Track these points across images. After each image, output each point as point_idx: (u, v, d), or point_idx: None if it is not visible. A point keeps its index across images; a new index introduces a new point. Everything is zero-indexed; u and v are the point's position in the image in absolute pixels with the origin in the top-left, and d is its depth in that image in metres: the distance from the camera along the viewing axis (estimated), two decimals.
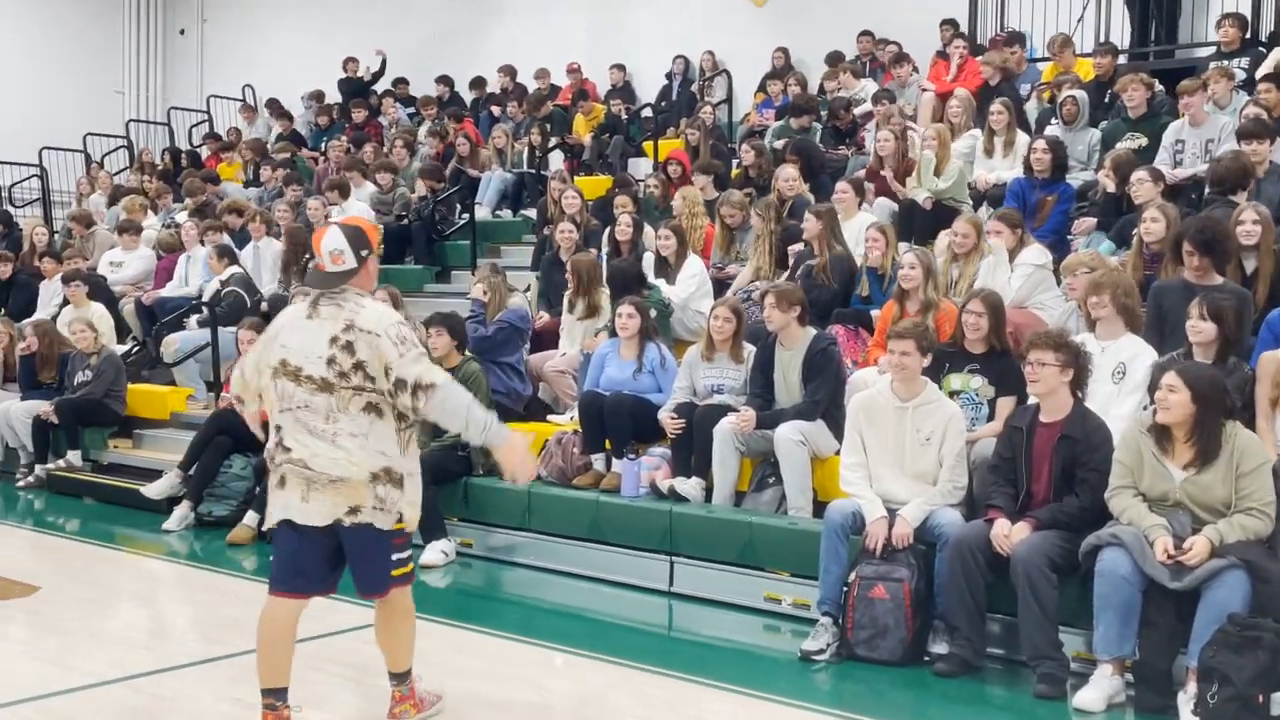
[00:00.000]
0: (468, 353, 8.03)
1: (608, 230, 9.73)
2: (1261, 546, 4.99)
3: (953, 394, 6.24)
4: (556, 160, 14.00)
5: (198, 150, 18.03)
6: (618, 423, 7.40)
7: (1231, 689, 4.61)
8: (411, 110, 16.58)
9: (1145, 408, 5.61)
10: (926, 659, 5.63)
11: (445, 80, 17.29)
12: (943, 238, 8.20)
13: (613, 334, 7.95)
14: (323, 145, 15.67)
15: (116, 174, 17.51)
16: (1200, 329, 5.70)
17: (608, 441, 7.52)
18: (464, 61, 17.64)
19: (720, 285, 9.09)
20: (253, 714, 4.46)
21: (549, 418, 8.38)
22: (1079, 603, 5.30)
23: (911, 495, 5.80)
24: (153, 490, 8.87)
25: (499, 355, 8.30)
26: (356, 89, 17.40)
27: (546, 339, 9.10)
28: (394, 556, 4.45)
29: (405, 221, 12.58)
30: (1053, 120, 9.96)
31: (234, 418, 8.72)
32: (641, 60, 16.40)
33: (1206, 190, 7.81)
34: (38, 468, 10.20)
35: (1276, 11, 10.83)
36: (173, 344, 10.81)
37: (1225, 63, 9.64)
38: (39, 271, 12.76)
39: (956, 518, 5.71)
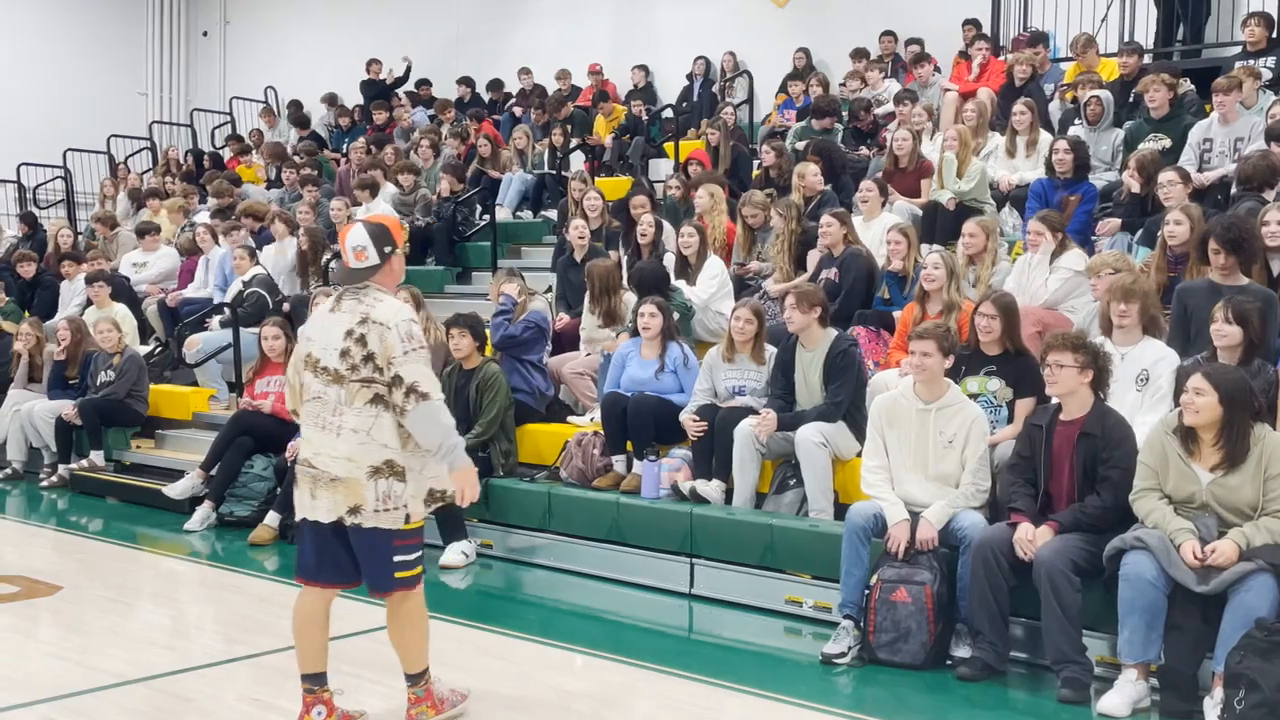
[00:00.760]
0: (488, 354, 8.03)
1: (625, 233, 9.72)
2: None
3: (970, 397, 6.20)
4: (577, 161, 14.01)
5: (220, 152, 18.11)
6: (640, 424, 7.39)
7: (1259, 694, 4.55)
8: (431, 112, 16.61)
9: (1171, 410, 5.56)
10: (949, 663, 5.60)
11: (466, 81, 17.33)
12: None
13: (634, 334, 7.93)
14: (344, 147, 15.73)
15: (140, 175, 17.62)
16: (1225, 332, 5.65)
17: (629, 443, 7.51)
18: (487, 63, 17.68)
19: (740, 284, 9.07)
20: (273, 715, 4.47)
21: (569, 419, 8.38)
22: (1103, 606, 5.26)
23: (933, 498, 5.77)
24: (174, 490, 8.91)
25: (524, 353, 8.30)
26: (379, 91, 17.45)
27: (565, 341, 9.10)
28: (397, 559, 4.46)
29: (427, 222, 12.61)
30: (1076, 120, 9.90)
31: (256, 418, 8.85)
32: (662, 61, 16.39)
33: (1234, 189, 7.75)
34: (61, 467, 10.26)
35: None
36: (195, 344, 10.85)
37: (1251, 62, 9.57)
38: (60, 272, 12.84)
39: (979, 520, 5.67)
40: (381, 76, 17.79)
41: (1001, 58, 11.79)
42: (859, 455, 6.41)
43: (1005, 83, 11.17)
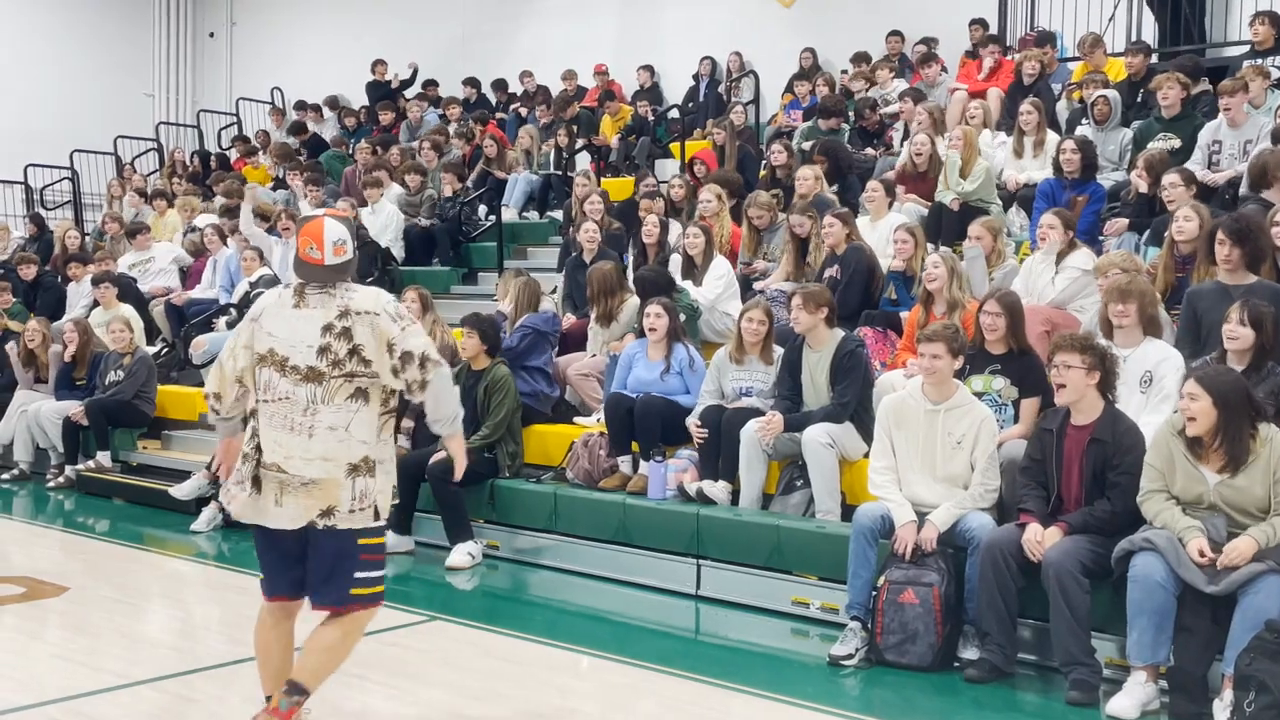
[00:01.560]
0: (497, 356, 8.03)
1: (633, 234, 9.71)
2: None
3: (975, 395, 6.17)
4: (583, 162, 14.00)
5: (226, 153, 18.13)
6: (647, 425, 7.38)
7: (1269, 697, 4.53)
8: (439, 112, 16.62)
9: (1176, 412, 5.53)
10: (957, 664, 5.58)
11: (472, 82, 17.33)
12: None
13: (640, 335, 7.92)
14: (350, 148, 15.74)
15: (145, 177, 17.64)
16: (1239, 334, 5.60)
17: (634, 443, 7.49)
18: (491, 63, 17.67)
19: (746, 284, 9.05)
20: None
21: (575, 420, 8.37)
22: (1112, 608, 5.24)
23: (941, 499, 5.74)
24: (181, 491, 8.93)
25: (525, 360, 8.29)
26: (385, 93, 17.45)
27: (572, 341, 9.08)
28: (358, 575, 4.26)
29: (432, 223, 12.61)
30: (1083, 120, 9.87)
31: None
32: (668, 61, 16.38)
33: (1242, 189, 7.71)
34: (68, 468, 10.27)
35: None
36: (201, 345, 10.86)
37: (1259, 61, 9.52)
38: (67, 274, 12.86)
39: (987, 521, 5.65)
40: (387, 78, 17.80)
41: (1009, 57, 11.76)
42: (866, 456, 6.38)
43: (1013, 82, 11.14)
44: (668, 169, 13.34)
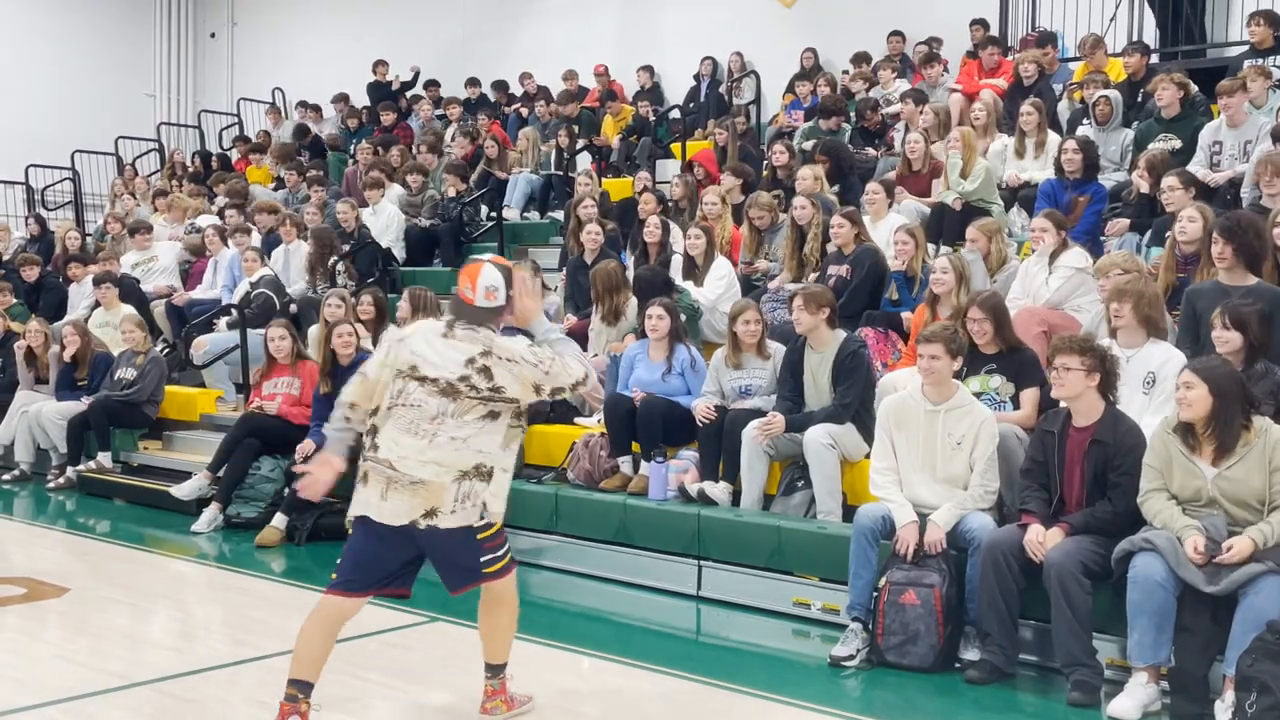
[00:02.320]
0: None
1: (633, 234, 9.71)
2: None
3: (974, 395, 6.17)
4: (584, 162, 14.00)
5: (228, 153, 18.14)
6: (648, 425, 7.37)
7: (1270, 698, 4.52)
8: (440, 112, 16.62)
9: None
10: (958, 665, 5.58)
11: (473, 82, 17.32)
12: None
13: (641, 335, 7.92)
14: (351, 148, 15.74)
15: (146, 178, 17.64)
16: (1225, 338, 5.60)
17: (635, 444, 7.49)
18: (492, 64, 17.66)
19: (747, 284, 9.05)
20: None
21: (576, 420, 8.36)
22: (1113, 609, 5.24)
23: (942, 500, 5.74)
24: (182, 492, 8.92)
25: None
26: (386, 94, 17.45)
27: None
28: (484, 557, 4.46)
29: (433, 223, 12.61)
30: (1085, 121, 9.86)
31: (263, 420, 8.84)
32: (669, 62, 16.37)
33: (1244, 189, 7.70)
34: (69, 469, 10.27)
35: None
36: (202, 346, 10.86)
37: (1259, 61, 9.51)
38: (68, 274, 12.86)
39: (988, 522, 5.65)
40: (388, 79, 17.79)
41: (1010, 58, 11.76)
42: (867, 457, 6.38)
43: (1013, 83, 11.13)
44: (669, 169, 13.34)
